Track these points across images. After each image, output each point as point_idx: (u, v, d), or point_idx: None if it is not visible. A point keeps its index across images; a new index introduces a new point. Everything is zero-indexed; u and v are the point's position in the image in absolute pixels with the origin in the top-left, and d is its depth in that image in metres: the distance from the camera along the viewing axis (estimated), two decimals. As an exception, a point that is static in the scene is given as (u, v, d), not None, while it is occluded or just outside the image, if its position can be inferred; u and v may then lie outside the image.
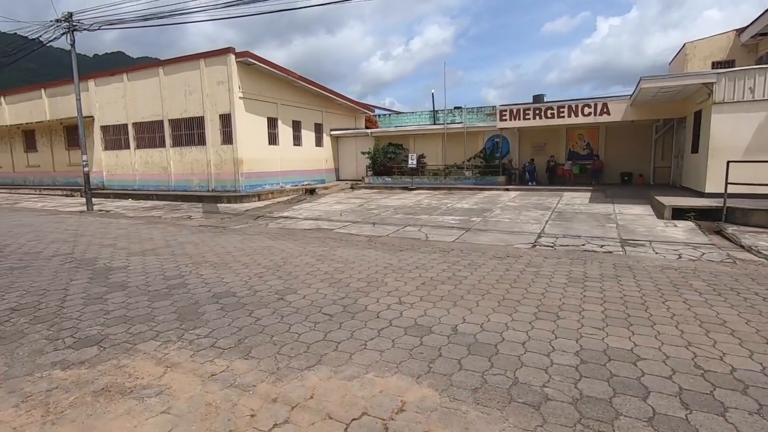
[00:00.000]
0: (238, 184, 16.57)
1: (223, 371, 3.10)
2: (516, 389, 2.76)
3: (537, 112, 16.14)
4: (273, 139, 18.19)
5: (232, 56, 15.84)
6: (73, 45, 13.87)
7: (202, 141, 17.25)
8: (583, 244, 7.52)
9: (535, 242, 7.77)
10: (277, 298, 4.68)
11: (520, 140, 18.58)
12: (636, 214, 10.50)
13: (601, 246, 7.36)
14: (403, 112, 28.41)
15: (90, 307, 4.50)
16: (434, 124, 25.71)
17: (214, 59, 16.30)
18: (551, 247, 7.39)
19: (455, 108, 28.34)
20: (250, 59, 15.94)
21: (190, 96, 17.10)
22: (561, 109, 15.75)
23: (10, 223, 11.12)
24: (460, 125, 19.63)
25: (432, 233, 8.82)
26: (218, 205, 15.12)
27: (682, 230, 8.55)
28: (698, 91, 11.66)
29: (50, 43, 15.59)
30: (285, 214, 12.45)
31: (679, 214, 9.73)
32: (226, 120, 16.49)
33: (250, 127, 16.80)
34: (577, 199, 13.68)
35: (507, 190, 16.46)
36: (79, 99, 14.11)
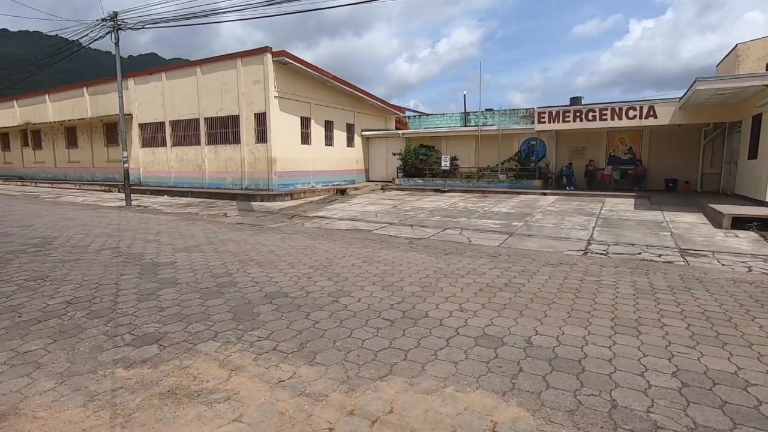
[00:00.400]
0: (271, 183, 16.63)
1: (291, 377, 2.93)
2: (618, 414, 2.49)
3: (577, 114, 15.60)
4: (306, 138, 18.21)
5: (269, 55, 15.92)
6: (117, 44, 14.19)
7: (236, 139, 17.41)
8: (639, 253, 7.10)
9: (586, 249, 7.40)
10: (331, 300, 4.51)
11: (558, 143, 18.02)
12: (690, 223, 9.94)
13: (659, 255, 6.93)
14: (433, 114, 28.12)
15: (144, 303, 4.43)
16: (465, 126, 25.34)
17: (251, 58, 16.43)
18: (604, 254, 7.01)
19: (486, 110, 27.89)
20: (286, 58, 15.99)
21: (226, 95, 17.29)
22: (603, 112, 15.17)
23: (56, 217, 11.40)
24: (494, 127, 19.21)
25: (474, 237, 8.54)
26: (252, 203, 15.20)
27: (745, 241, 8.00)
28: (758, 94, 10.97)
29: (92, 44, 16.04)
30: (319, 213, 12.36)
31: (738, 223, 9.14)
32: (260, 119, 16.59)
33: (284, 126, 16.85)
34: (620, 205, 13.12)
35: (544, 194, 15.97)
36: (122, 97, 14.43)
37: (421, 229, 9.44)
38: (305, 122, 18.10)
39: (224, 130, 17.76)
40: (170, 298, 4.60)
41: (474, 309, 4.24)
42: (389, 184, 20.50)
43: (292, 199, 15.98)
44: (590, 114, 15.41)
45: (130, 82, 20.56)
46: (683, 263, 6.41)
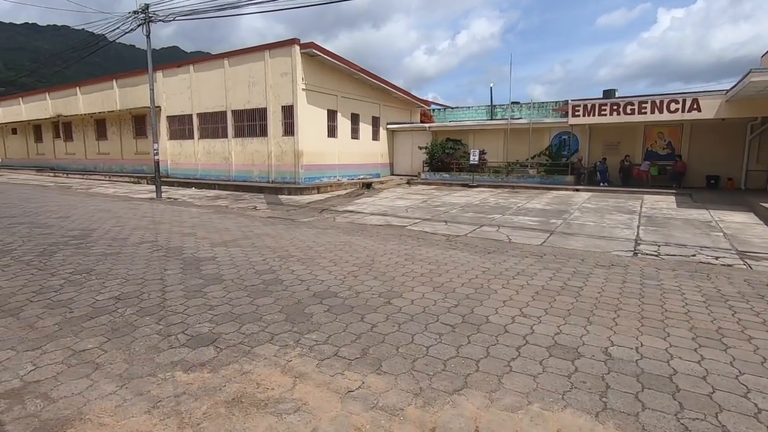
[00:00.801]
0: (298, 176, 16.56)
1: (359, 387, 2.76)
2: (734, 442, 2.23)
3: (615, 107, 15.00)
4: (332, 131, 18.06)
5: (297, 47, 15.77)
6: (148, 36, 14.24)
7: (263, 132, 17.38)
8: (693, 255, 6.72)
9: (635, 250, 7.04)
10: (384, 301, 4.33)
11: (591, 138, 17.42)
12: (741, 223, 9.42)
13: (716, 258, 6.54)
14: (458, 107, 27.66)
15: (193, 300, 4.33)
16: (492, 119, 24.82)
17: (279, 50, 16.31)
18: (655, 256, 6.65)
19: (513, 103, 27.30)
20: (314, 50, 15.81)
21: (254, 87, 17.24)
22: (643, 105, 14.54)
23: (90, 209, 11.53)
24: (524, 121, 18.71)
25: (513, 235, 8.24)
26: (279, 196, 15.16)
27: (808, 243, 7.50)
28: (817, 86, 10.29)
29: (119, 39, 16.13)
30: (349, 208, 12.21)
31: (796, 224, 8.61)
32: (288, 112, 16.49)
33: (311, 119, 16.73)
34: (661, 203, 12.58)
35: (577, 190, 15.47)
36: (152, 89, 14.50)
37: (456, 226, 9.19)
38: (332, 115, 17.94)
39: (251, 122, 17.74)
40: (218, 295, 4.49)
41: (536, 315, 4.00)
42: (414, 178, 20.22)
43: (318, 192, 15.88)
44: (628, 107, 14.80)
45: (159, 74, 20.70)
46: (744, 267, 6.02)
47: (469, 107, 26.88)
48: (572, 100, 16.02)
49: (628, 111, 14.82)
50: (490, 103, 25.77)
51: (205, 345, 3.37)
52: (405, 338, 3.48)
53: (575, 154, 17.82)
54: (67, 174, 25.03)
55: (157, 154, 14.65)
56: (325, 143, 17.69)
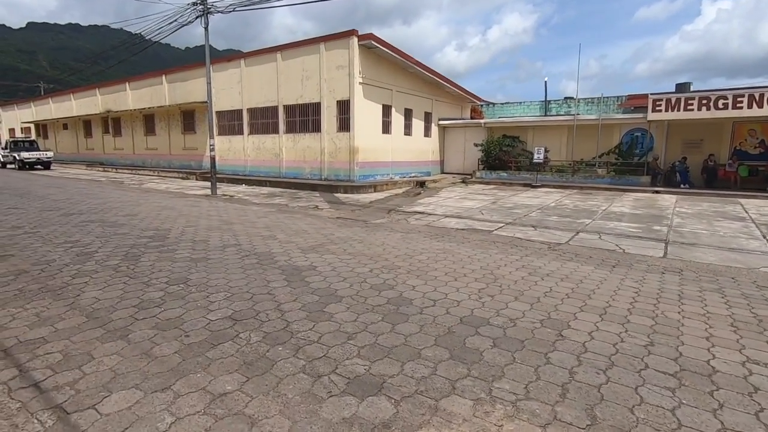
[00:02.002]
0: (353, 174, 15.92)
1: (631, 480, 1.97)
2: None
3: (703, 102, 13.61)
4: (386, 127, 17.34)
5: (355, 39, 15.09)
6: (206, 28, 13.86)
7: (316, 128, 16.82)
8: None
9: (788, 266, 5.96)
10: (554, 334, 3.52)
11: (668, 135, 16.00)
12: None
13: None
14: (507, 103, 26.45)
15: (321, 325, 3.65)
16: (547, 115, 23.55)
17: (335, 42, 15.68)
18: (820, 274, 5.57)
19: (566, 98, 25.91)
20: (373, 42, 15.08)
21: (307, 81, 16.69)
22: (739, 99, 13.09)
23: (153, 205, 11.20)
24: (593, 117, 17.43)
25: (622, 244, 7.27)
26: (336, 194, 14.55)
27: None
28: None
29: (173, 32, 15.88)
30: (416, 209, 11.44)
31: None
32: (343, 106, 15.86)
33: (366, 114, 16.05)
34: (766, 208, 11.24)
35: (657, 192, 14.19)
36: (209, 83, 14.15)
37: (548, 232, 8.28)
38: (386, 110, 17.21)
39: (304, 118, 17.22)
40: (346, 318, 3.79)
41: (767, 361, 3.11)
42: (468, 177, 19.26)
43: (375, 191, 15.20)
44: (720, 101, 13.38)
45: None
46: None
47: (520, 103, 25.64)
48: (652, 94, 14.68)
49: (720, 106, 13.41)
50: (544, 98, 24.47)
51: (373, 393, 2.65)
52: (627, 394, 2.67)
53: (650, 152, 16.44)
54: (116, 169, 25.33)
55: (213, 150, 14.30)
56: (380, 139, 16.99)
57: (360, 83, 15.50)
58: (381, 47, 15.49)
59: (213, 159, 14.32)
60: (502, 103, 26.50)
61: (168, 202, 11.88)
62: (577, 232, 8.31)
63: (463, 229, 8.54)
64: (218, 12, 13.78)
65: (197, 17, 14.05)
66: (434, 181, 18.11)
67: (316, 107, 16.68)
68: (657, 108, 14.39)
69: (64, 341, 3.36)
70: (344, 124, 15.94)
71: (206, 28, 13.87)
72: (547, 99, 24.49)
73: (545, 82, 24.43)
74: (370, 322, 3.72)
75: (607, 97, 22.71)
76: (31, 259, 5.68)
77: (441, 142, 21.48)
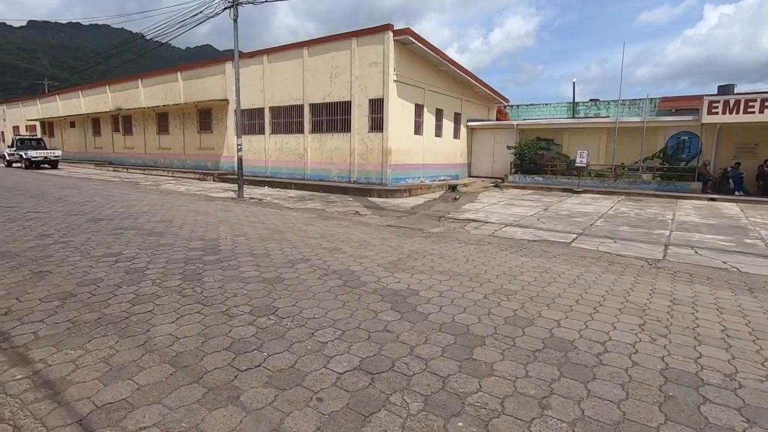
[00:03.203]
0: (385, 177, 15.05)
1: None
2: None
3: (767, 104, 12.77)
4: (418, 128, 16.49)
5: (390, 34, 14.24)
6: (235, 20, 13.01)
7: (345, 128, 15.95)
8: None
9: None
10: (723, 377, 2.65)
11: (719, 139, 15.15)
12: None
13: None
14: (533, 104, 25.66)
15: (488, 382, 2.77)
16: (574, 117, 22.76)
17: (368, 38, 14.82)
18: None
19: (592, 100, 25.14)
20: (410, 37, 14.24)
21: (336, 79, 15.83)
22: (807, 101, 12.26)
23: (182, 210, 10.32)
24: (637, 119, 16.57)
25: (729, 261, 6.42)
26: (370, 198, 13.69)
27: None
28: None
29: (200, 24, 15.03)
30: (466, 216, 10.56)
31: None
32: (375, 105, 15.00)
33: (400, 114, 15.20)
34: None
35: (713, 200, 13.34)
36: (238, 78, 13.29)
37: (632, 245, 7.43)
38: (418, 110, 16.37)
39: (331, 117, 16.34)
40: (513, 371, 2.91)
41: None
42: (500, 180, 18.41)
43: (410, 195, 14.34)
44: (787, 103, 12.54)
45: (227, 65, 19.66)
46: None
47: (546, 104, 24.85)
48: (709, 96, 13.85)
49: (785, 108, 12.57)
50: (572, 100, 23.66)
51: None
52: None
53: (696, 157, 15.59)
54: (127, 169, 24.42)
55: (240, 150, 13.42)
56: (411, 141, 16.14)
57: (394, 81, 14.64)
58: (417, 43, 14.64)
59: (240, 160, 13.44)
60: (527, 105, 25.70)
61: (197, 206, 10.99)
62: (666, 246, 7.46)
63: (535, 241, 7.69)
64: (248, 2, 12.93)
65: (225, 9, 13.20)
66: (465, 185, 17.26)
67: (345, 106, 15.81)
68: (713, 110, 13.55)
69: (157, 406, 2.48)
70: (376, 124, 15.08)
71: (235, 21, 13.02)
72: (575, 101, 23.69)
73: (573, 83, 23.64)
74: (549, 378, 2.84)
75: (640, 99, 21.92)
76: (73, 277, 4.80)
77: (469, 145, 20.63)
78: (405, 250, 6.52)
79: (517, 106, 25.58)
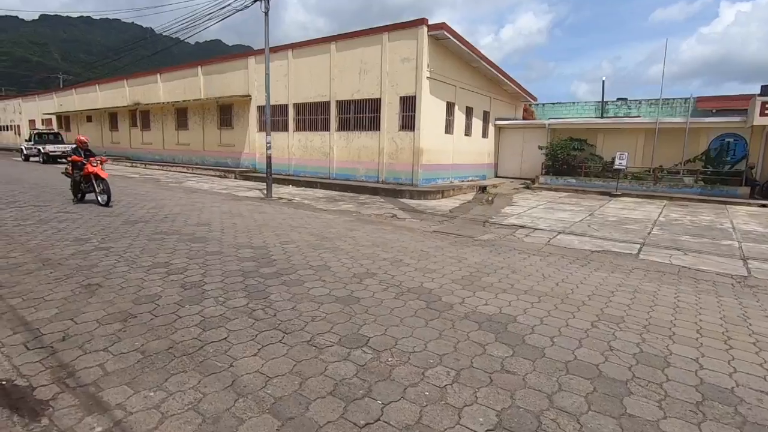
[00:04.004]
0: (416, 177, 14.54)
1: None
2: None
3: (826, 105, 12.05)
4: (449, 126, 15.94)
5: (425, 29, 13.67)
6: (266, 13, 12.52)
7: (374, 126, 15.44)
8: None
9: None
10: None
11: (767, 142, 14.43)
12: None
13: None
14: (558, 103, 24.96)
15: (673, 452, 2.27)
16: (603, 116, 22.06)
17: (401, 33, 14.27)
18: None
19: (620, 99, 24.40)
20: (445, 32, 13.66)
21: (366, 75, 15.31)
22: None
23: (214, 211, 9.89)
24: (679, 120, 15.88)
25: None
26: (401, 200, 13.19)
27: None
28: None
29: (230, 15, 14.57)
30: (510, 221, 10.03)
31: None
32: (407, 103, 14.46)
33: (432, 112, 14.66)
34: None
35: (764, 206, 12.67)
36: (268, 74, 12.80)
37: (706, 258, 6.86)
38: (449, 108, 15.81)
39: (359, 114, 15.84)
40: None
41: None
42: (529, 182, 17.81)
43: (443, 197, 13.82)
44: None
45: (250, 60, 19.21)
46: None
47: (573, 103, 24.16)
48: (759, 96, 13.15)
49: None
50: (601, 99, 22.94)
51: None
52: None
53: (741, 160, 14.89)
54: (145, 165, 24.11)
55: (269, 147, 12.97)
56: (442, 140, 15.60)
57: (427, 78, 14.09)
58: (452, 38, 14.06)
59: (269, 158, 12.99)
60: (553, 103, 25.00)
61: (228, 207, 10.56)
62: (744, 260, 6.89)
63: (598, 252, 7.15)
64: (280, -5, 12.42)
65: (255, 1, 12.72)
66: (494, 186, 16.69)
67: (374, 103, 15.30)
68: (766, 111, 12.84)
69: (277, 480, 2.01)
70: (408, 122, 14.55)
71: (266, 13, 12.53)
72: (605, 100, 22.97)
73: (603, 81, 22.89)
74: (739, 445, 2.33)
75: (672, 99, 21.15)
76: (126, 292, 4.37)
77: (496, 144, 20.03)
78: (470, 262, 6.02)
79: (543, 104, 24.90)
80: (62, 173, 10.59)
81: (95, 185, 9.63)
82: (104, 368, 2.97)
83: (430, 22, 13.77)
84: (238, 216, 9.18)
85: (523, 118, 21.97)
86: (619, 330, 3.82)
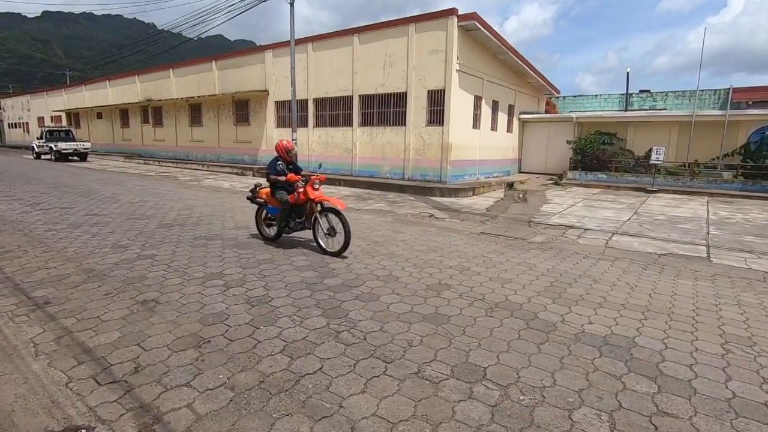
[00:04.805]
0: (444, 174, 14.05)
1: None
2: None
3: None
4: (476, 121, 15.41)
5: (455, 19, 13.12)
6: (292, 4, 12.01)
7: (399, 121, 14.94)
8: None
9: None
10: None
11: (811, 135, 13.85)
12: None
13: None
14: (582, 95, 24.30)
15: None
16: (627, 110, 21.44)
17: (429, 24, 13.72)
18: None
19: (642, 91, 23.71)
20: (476, 23, 13.11)
21: (391, 68, 14.78)
22: None
23: (248, 212, 9.46)
24: (718, 112, 15.28)
25: None
26: (431, 198, 12.72)
27: None
28: None
29: (255, 6, 14.08)
30: (555, 220, 9.53)
31: None
32: (435, 97, 13.94)
33: (460, 106, 14.14)
34: None
35: (814, 202, 12.10)
36: (293, 68, 12.34)
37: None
38: (477, 102, 15.28)
39: (384, 109, 15.33)
40: None
41: None
42: (556, 177, 17.27)
43: (474, 194, 13.33)
44: None
45: (267, 54, 18.71)
46: None
47: (595, 95, 23.51)
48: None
49: None
50: (625, 91, 22.30)
51: None
52: None
53: (783, 154, 14.30)
54: (159, 162, 23.71)
55: (295, 144, 12.48)
56: (470, 135, 15.08)
57: (457, 71, 13.56)
58: (482, 29, 13.50)
59: (295, 156, 12.50)
60: (574, 96, 24.36)
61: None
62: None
63: (665, 255, 6.68)
64: (307, -15, 11.91)
65: (280, -8, 12.21)
66: (521, 183, 16.16)
67: (400, 97, 14.78)
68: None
69: None
70: (436, 117, 14.04)
71: (292, 4, 12.03)
72: (629, 92, 22.33)
73: (627, 72, 22.21)
74: None
75: (702, 91, 20.48)
76: (188, 309, 3.94)
77: (520, 139, 19.48)
78: (540, 269, 5.57)
79: (563, 97, 24.26)
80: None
81: (320, 221, 6.02)
82: (194, 410, 2.55)
83: (460, 13, 13.21)
84: (274, 217, 8.74)
85: (546, 112, 21.38)
86: (759, 355, 3.35)
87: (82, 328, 3.58)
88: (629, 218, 9.86)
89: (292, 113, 12.81)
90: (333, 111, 16.84)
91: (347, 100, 16.20)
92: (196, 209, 9.46)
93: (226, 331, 3.55)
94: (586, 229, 8.65)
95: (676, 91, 21.04)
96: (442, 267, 5.49)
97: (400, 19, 14.59)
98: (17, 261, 5.37)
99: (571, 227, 8.84)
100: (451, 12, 13.15)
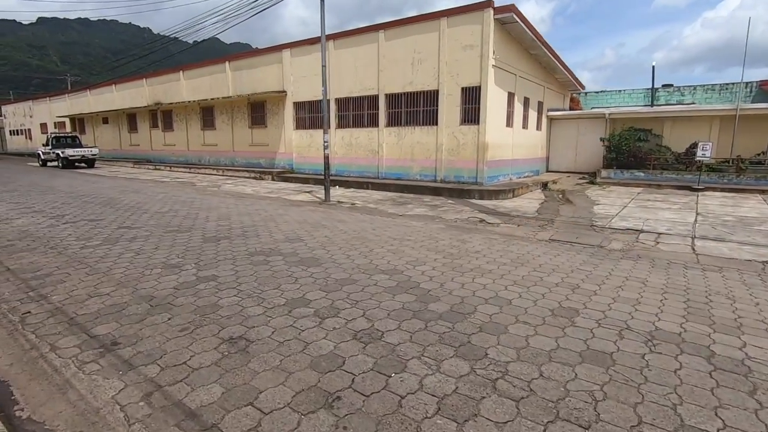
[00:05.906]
0: (480, 175, 13.37)
1: None
2: None
3: None
4: (509, 119, 14.74)
5: (491, 12, 12.43)
6: (322, 1, 11.31)
7: (430, 120, 14.25)
8: None
9: None
10: None
11: None
12: None
13: None
14: (603, 91, 23.66)
15: None
16: (653, 105, 20.79)
17: (462, 17, 13.03)
18: None
19: (664, 86, 23.08)
20: (514, 15, 12.44)
21: (420, 65, 14.10)
22: None
23: (289, 220, 8.77)
24: (765, 106, 14.60)
25: None
26: (470, 200, 12.05)
27: None
28: None
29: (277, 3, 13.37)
30: (619, 223, 8.86)
31: None
32: (470, 94, 13.26)
33: (496, 103, 13.46)
34: None
35: None
36: (325, 65, 11.62)
37: None
38: (510, 99, 14.60)
39: (413, 108, 14.64)
40: None
41: None
42: (590, 176, 16.60)
43: (514, 195, 12.66)
44: None
45: (285, 54, 18.01)
46: None
47: (619, 91, 22.87)
48: None
49: None
50: (651, 86, 21.64)
51: None
52: None
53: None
54: (170, 167, 23.00)
55: (327, 146, 11.82)
56: (504, 134, 14.41)
57: (493, 66, 12.88)
58: (520, 23, 12.83)
59: (327, 158, 11.84)
60: (596, 92, 23.71)
61: (297, 215, 9.44)
62: None
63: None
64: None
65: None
66: (554, 182, 15.50)
67: (430, 96, 14.09)
68: None
69: None
70: (470, 115, 13.35)
71: (322, 2, 11.33)
72: (654, 87, 21.67)
73: (653, 67, 21.53)
74: None
75: (732, 84, 19.84)
76: (290, 351, 3.26)
77: (547, 137, 18.81)
78: (657, 284, 4.89)
79: (586, 93, 23.59)
80: None
81: None
82: None
83: (496, 5, 12.54)
84: (321, 227, 8.06)
85: (570, 108, 20.71)
86: None
87: (172, 380, 2.89)
88: (695, 220, 9.19)
89: (322, 113, 12.09)
90: (357, 111, 16.15)
91: (372, 100, 15.51)
92: (232, 218, 8.77)
93: (353, 381, 2.87)
94: (659, 233, 7.98)
95: (704, 85, 20.39)
96: (548, 285, 4.81)
97: (429, 13, 13.91)
98: (61, 287, 4.68)
99: (641, 231, 8.17)
100: (488, 4, 12.46)
